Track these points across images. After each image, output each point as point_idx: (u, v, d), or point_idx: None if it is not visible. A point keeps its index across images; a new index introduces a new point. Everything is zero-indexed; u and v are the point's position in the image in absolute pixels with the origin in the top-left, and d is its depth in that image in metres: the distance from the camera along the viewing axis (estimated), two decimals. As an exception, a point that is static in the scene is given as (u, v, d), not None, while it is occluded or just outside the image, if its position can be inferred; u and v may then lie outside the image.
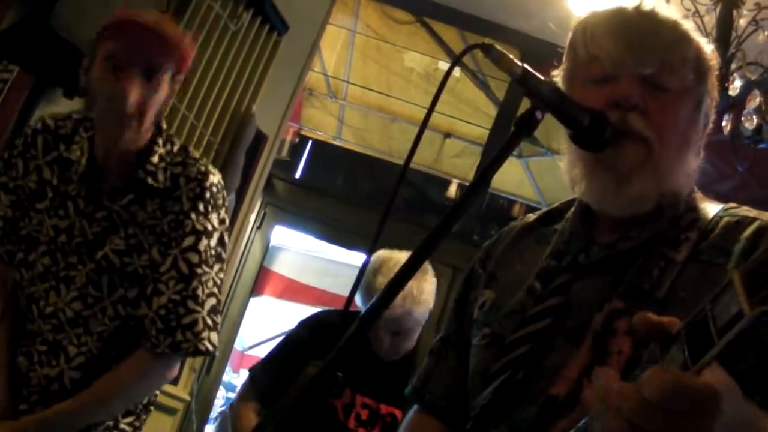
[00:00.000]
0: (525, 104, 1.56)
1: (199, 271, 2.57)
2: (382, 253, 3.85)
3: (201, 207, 2.60)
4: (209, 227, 2.62)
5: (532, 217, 1.97)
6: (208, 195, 2.62)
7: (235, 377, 12.32)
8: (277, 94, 5.85)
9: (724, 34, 4.61)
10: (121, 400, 2.59)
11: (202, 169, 2.65)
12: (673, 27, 1.68)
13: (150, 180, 2.58)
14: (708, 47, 1.73)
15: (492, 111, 8.48)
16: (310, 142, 9.91)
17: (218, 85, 5.10)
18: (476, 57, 8.21)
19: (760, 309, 0.95)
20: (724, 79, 4.49)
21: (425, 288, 3.81)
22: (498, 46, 1.56)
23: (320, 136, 9.86)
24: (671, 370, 1.04)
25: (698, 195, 1.75)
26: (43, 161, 2.67)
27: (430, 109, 1.58)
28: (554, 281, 1.71)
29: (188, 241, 2.57)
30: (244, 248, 6.86)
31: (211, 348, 2.59)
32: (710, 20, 4.67)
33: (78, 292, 2.57)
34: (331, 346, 1.31)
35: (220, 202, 2.68)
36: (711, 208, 1.69)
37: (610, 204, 1.68)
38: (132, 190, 2.58)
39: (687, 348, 1.07)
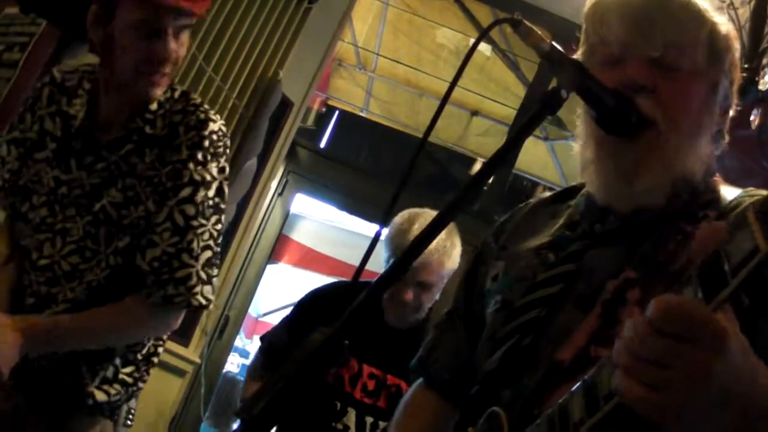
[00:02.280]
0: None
1: (195, 223, 2.51)
2: (412, 210, 3.81)
3: (200, 156, 2.52)
4: (207, 177, 2.53)
5: (548, 194, 1.96)
6: (207, 143, 2.53)
7: (248, 343, 12.35)
8: (305, 62, 5.84)
9: (757, 28, 4.56)
10: (111, 333, 2.55)
11: (202, 116, 2.56)
12: (683, 7, 1.64)
13: (148, 128, 2.54)
14: (725, 26, 1.68)
15: (521, 91, 8.44)
16: (337, 112, 9.90)
17: (246, 49, 5.10)
18: (507, 36, 8.17)
19: None
20: (755, 73, 4.45)
21: (456, 244, 3.79)
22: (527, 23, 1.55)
23: (347, 106, 9.85)
24: (679, 296, 1.04)
25: (718, 179, 1.72)
26: (45, 112, 2.66)
27: (454, 81, 1.56)
28: (567, 249, 1.70)
29: (185, 192, 2.50)
30: (264, 214, 6.85)
31: (204, 302, 2.53)
32: (744, 12, 4.62)
33: (75, 245, 2.54)
34: (339, 314, 1.30)
35: (221, 150, 2.58)
36: (731, 192, 1.66)
37: (615, 200, 1.66)
38: (130, 140, 2.54)
39: (701, 289, 1.06)
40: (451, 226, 3.76)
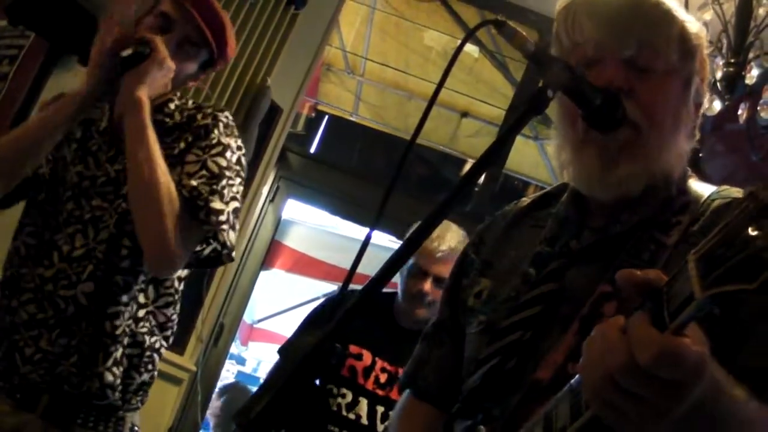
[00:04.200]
0: (542, 86, 1.55)
1: (226, 173, 2.57)
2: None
3: (221, 126, 2.63)
4: (232, 144, 2.64)
5: (526, 201, 1.97)
6: (225, 120, 2.66)
7: (244, 350, 12.32)
8: (293, 68, 5.85)
9: (742, 23, 4.58)
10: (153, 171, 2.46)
11: (216, 110, 2.70)
12: (654, 6, 1.67)
13: (168, 120, 2.65)
14: (694, 25, 1.71)
15: (509, 92, 8.44)
16: (327, 117, 9.88)
17: (234, 56, 5.10)
18: (495, 37, 8.18)
19: (710, 292, 0.97)
20: (742, 67, 4.47)
21: (462, 240, 3.85)
22: (513, 24, 1.56)
23: (337, 111, 9.83)
24: (666, 335, 1.06)
25: (692, 177, 1.74)
26: None
27: (441, 82, 1.58)
28: (547, 267, 1.71)
29: (216, 149, 2.58)
30: (256, 221, 6.84)
31: (229, 243, 2.54)
32: (729, 8, 4.64)
33: (116, 229, 2.57)
34: (341, 319, 1.32)
35: (236, 132, 2.70)
36: (704, 191, 1.68)
37: (597, 186, 1.67)
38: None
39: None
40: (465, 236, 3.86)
